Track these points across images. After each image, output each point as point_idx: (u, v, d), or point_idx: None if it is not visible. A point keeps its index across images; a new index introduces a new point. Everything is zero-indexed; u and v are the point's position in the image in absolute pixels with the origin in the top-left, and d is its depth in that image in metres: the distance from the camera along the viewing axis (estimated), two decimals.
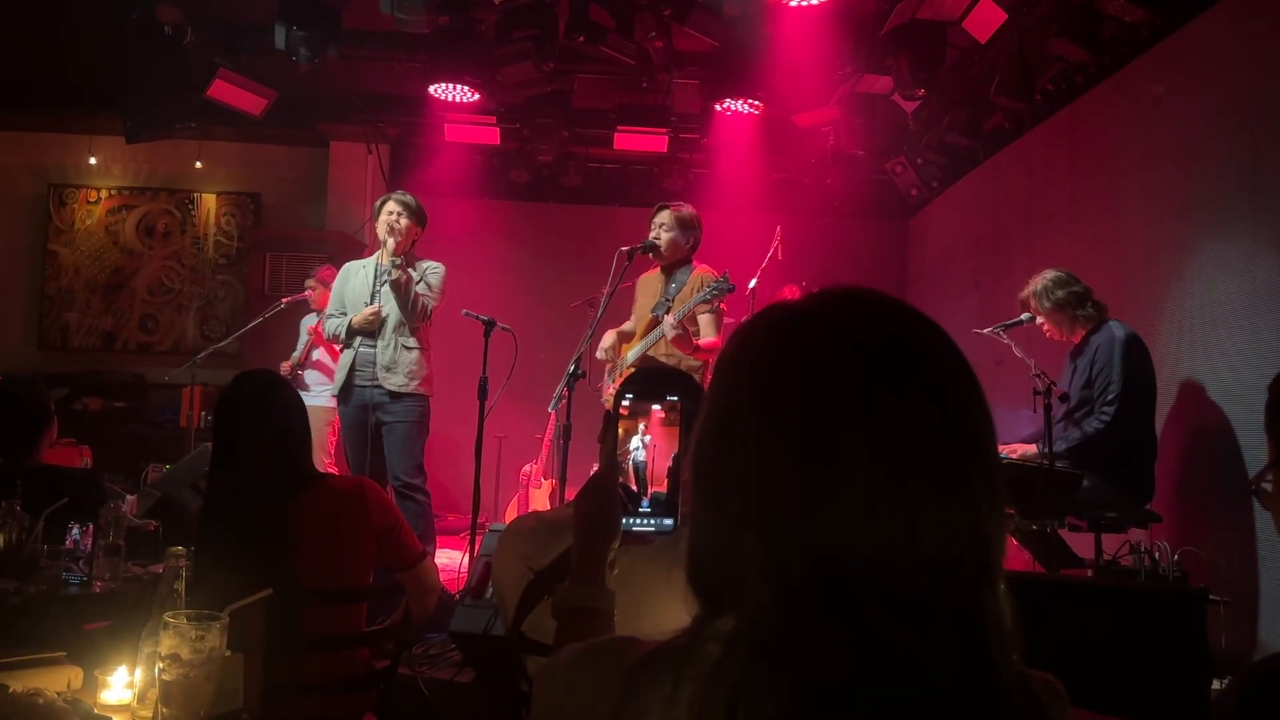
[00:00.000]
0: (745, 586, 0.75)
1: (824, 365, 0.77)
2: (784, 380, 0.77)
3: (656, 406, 1.32)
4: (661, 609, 1.35)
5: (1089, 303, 4.12)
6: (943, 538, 0.73)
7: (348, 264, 5.08)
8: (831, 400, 0.75)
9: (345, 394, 4.78)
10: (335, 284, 5.01)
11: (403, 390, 4.70)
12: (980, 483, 0.76)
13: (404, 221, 4.69)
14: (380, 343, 4.71)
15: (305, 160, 8.23)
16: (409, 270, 4.66)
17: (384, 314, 4.70)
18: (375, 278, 4.77)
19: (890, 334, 0.79)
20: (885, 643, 0.71)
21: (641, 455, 1.31)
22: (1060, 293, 4.11)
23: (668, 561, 1.40)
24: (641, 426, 1.32)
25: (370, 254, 5.02)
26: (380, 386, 4.69)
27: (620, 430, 1.31)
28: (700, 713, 0.73)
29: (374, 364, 4.71)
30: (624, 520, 1.25)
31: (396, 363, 4.70)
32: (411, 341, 4.74)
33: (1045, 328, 4.20)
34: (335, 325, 4.84)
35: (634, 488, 1.30)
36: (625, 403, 1.31)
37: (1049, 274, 4.18)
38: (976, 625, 0.74)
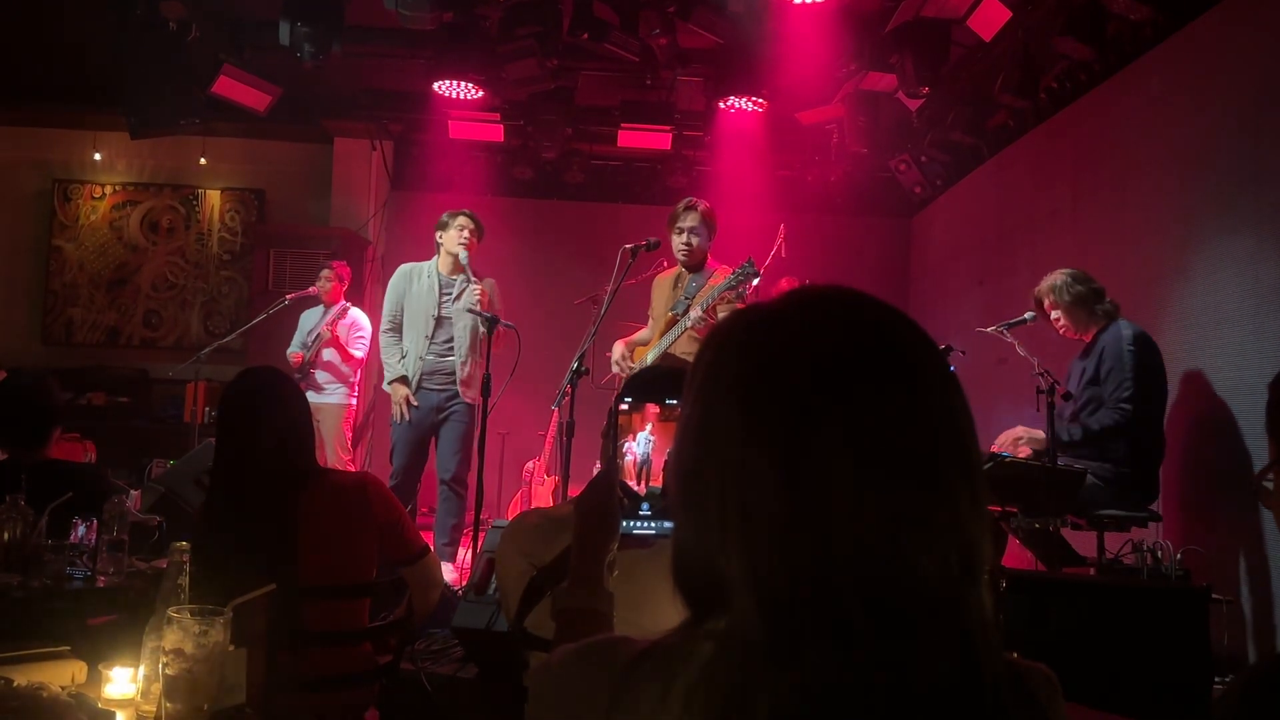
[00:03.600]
0: (730, 591, 0.75)
1: (801, 370, 0.76)
2: (762, 386, 0.77)
3: (654, 405, 1.31)
4: (663, 604, 1.35)
5: (1105, 300, 4.14)
6: (926, 539, 0.73)
7: (406, 266, 5.32)
8: (809, 405, 0.74)
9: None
10: (393, 285, 5.28)
11: (473, 401, 5.00)
12: (962, 482, 0.76)
13: (475, 241, 5.04)
14: (458, 357, 5.05)
15: (309, 156, 8.23)
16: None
17: (454, 330, 5.06)
18: (440, 290, 5.11)
19: (866, 336, 0.79)
20: (871, 646, 0.71)
21: (642, 452, 1.30)
22: (1080, 287, 4.12)
23: (668, 558, 1.40)
24: (644, 424, 1.32)
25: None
26: (457, 396, 5.05)
27: (620, 428, 1.31)
28: (692, 712, 0.73)
29: (451, 374, 5.05)
30: (625, 523, 1.24)
31: (472, 377, 5.01)
32: (478, 354, 5.06)
33: (1060, 324, 4.19)
34: (391, 369, 5.12)
35: (634, 484, 1.29)
36: (624, 406, 1.30)
37: (1064, 271, 4.19)
38: (963, 625, 0.74)
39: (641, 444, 1.29)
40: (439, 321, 5.07)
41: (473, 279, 4.95)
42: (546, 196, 8.21)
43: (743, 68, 5.85)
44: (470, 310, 4.87)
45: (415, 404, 5.04)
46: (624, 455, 1.29)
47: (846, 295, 0.82)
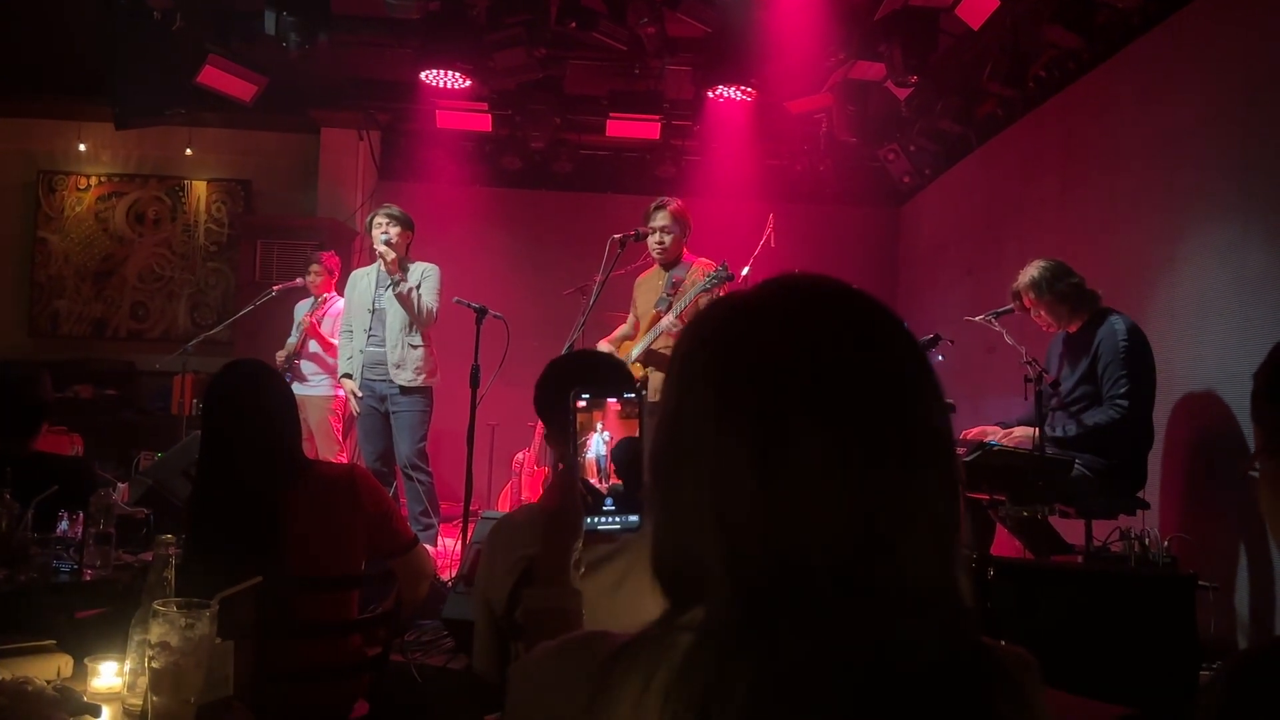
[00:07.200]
0: (708, 580, 0.76)
1: (775, 356, 0.77)
2: (736, 373, 0.78)
3: (613, 400, 1.28)
4: (634, 598, 1.35)
5: (1085, 293, 4.09)
6: (900, 521, 0.74)
7: (354, 272, 5.69)
8: (783, 391, 0.75)
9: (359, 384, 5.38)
10: (346, 291, 5.62)
11: (411, 385, 5.23)
12: (934, 465, 0.77)
13: (395, 231, 5.20)
14: (388, 344, 5.25)
15: (296, 147, 8.18)
16: (407, 284, 5.16)
17: (386, 319, 5.29)
18: (376, 285, 5.37)
19: (840, 322, 0.80)
20: (847, 629, 0.72)
21: (602, 449, 1.28)
22: (1061, 285, 4.04)
23: (634, 553, 1.39)
24: (600, 424, 1.28)
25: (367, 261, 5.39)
26: (391, 381, 5.24)
27: (578, 426, 1.28)
28: (672, 704, 0.73)
29: (384, 362, 5.26)
30: (589, 520, 1.24)
31: (405, 360, 5.23)
32: (417, 340, 5.26)
33: (1040, 318, 4.16)
34: (340, 366, 5.51)
35: (596, 481, 1.26)
36: (582, 403, 1.28)
37: (1041, 264, 4.10)
38: (939, 606, 0.75)
39: (595, 445, 1.27)
40: (375, 314, 5.32)
41: (381, 251, 5.14)
42: (535, 186, 8.17)
43: (731, 57, 5.84)
44: (384, 262, 5.14)
45: (360, 395, 5.30)
46: (584, 453, 1.27)
47: (821, 283, 0.83)
